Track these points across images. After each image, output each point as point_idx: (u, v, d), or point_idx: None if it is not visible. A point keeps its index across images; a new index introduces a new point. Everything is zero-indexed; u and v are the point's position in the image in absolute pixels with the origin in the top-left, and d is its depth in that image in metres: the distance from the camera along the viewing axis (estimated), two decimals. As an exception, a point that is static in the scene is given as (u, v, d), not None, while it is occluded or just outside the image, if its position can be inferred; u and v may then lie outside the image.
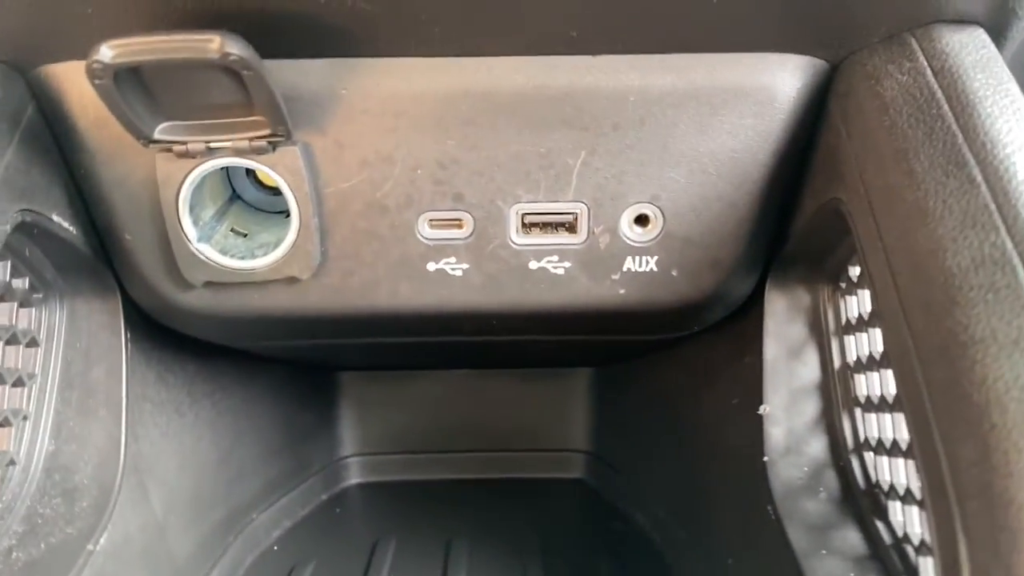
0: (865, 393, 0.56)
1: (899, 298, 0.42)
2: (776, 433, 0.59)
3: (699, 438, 0.72)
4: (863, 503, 0.55)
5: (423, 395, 0.95)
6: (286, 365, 0.87)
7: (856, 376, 0.57)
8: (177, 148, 0.51)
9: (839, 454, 0.58)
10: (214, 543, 0.72)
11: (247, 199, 0.61)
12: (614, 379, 0.93)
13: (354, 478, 0.92)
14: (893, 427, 0.53)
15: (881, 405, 0.54)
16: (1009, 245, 0.38)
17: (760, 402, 0.60)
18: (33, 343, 0.58)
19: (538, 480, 0.92)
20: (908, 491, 0.51)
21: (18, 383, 0.57)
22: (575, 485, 0.92)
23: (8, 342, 0.56)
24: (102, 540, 0.57)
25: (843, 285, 0.59)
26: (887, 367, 0.54)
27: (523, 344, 0.71)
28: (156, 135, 0.50)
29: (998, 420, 0.35)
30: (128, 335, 0.62)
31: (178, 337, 0.67)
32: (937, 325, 0.39)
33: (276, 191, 0.60)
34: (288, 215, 0.56)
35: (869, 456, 0.56)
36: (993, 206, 0.40)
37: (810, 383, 0.60)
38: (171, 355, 0.69)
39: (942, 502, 0.37)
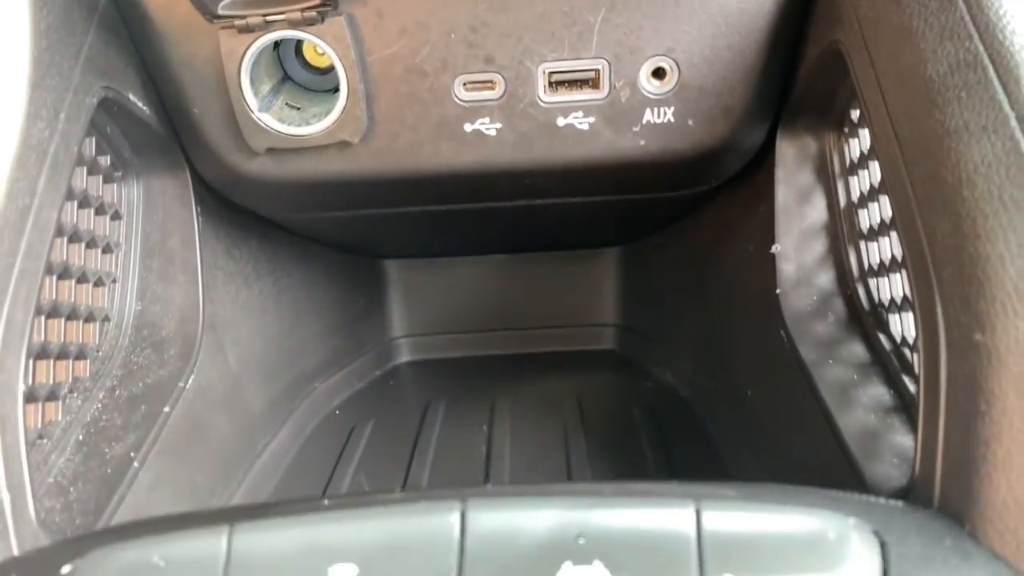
0: (868, 224, 0.62)
1: (887, 111, 0.48)
2: (787, 269, 0.65)
3: (719, 290, 0.78)
4: (867, 321, 0.61)
5: (463, 280, 1.02)
6: (339, 252, 0.94)
7: (859, 211, 0.63)
8: (238, 23, 0.57)
9: (846, 283, 0.64)
10: (283, 403, 0.80)
11: (297, 80, 0.67)
12: (640, 255, 0.99)
13: (404, 356, 1.00)
14: (891, 246, 0.59)
15: (882, 230, 0.60)
16: (981, 48, 0.43)
17: (773, 244, 0.66)
18: (116, 216, 0.66)
19: (573, 352, 0.99)
20: (905, 298, 0.57)
21: (107, 250, 0.64)
22: (607, 355, 0.99)
23: (97, 212, 0.63)
24: (190, 380, 0.65)
25: (846, 130, 0.64)
26: (886, 192, 0.59)
27: (554, 212, 0.77)
28: (220, 10, 0.56)
29: (968, 194, 0.41)
30: (198, 209, 0.69)
31: (242, 216, 0.74)
32: (919, 126, 0.45)
33: (323, 71, 0.66)
34: (336, 91, 0.62)
35: (873, 282, 0.62)
36: (968, 17, 0.45)
37: (818, 223, 0.65)
38: (237, 231, 0.76)
39: (922, 272, 0.43)
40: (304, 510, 0.42)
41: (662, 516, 0.40)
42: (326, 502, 0.43)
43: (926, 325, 0.43)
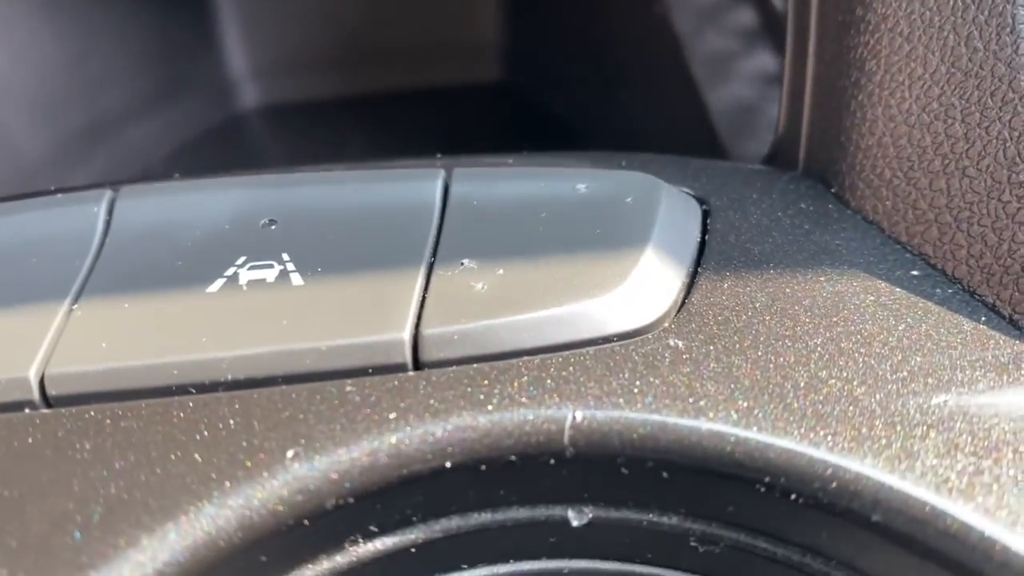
0: None
1: None
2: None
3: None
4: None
5: (316, 5, 0.85)
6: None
7: None
8: None
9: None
10: (75, 151, 0.67)
11: None
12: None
13: (244, 100, 0.85)
14: None
15: None
16: None
17: None
18: None
19: (450, 87, 0.84)
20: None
21: None
22: (489, 89, 0.84)
23: None
24: None
25: None
26: None
27: None
28: None
29: None
30: None
31: None
32: None
33: None
34: None
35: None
36: None
37: None
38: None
39: None
40: None
41: (394, 190, 0.28)
42: None
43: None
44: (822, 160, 0.30)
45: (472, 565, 0.23)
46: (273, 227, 0.27)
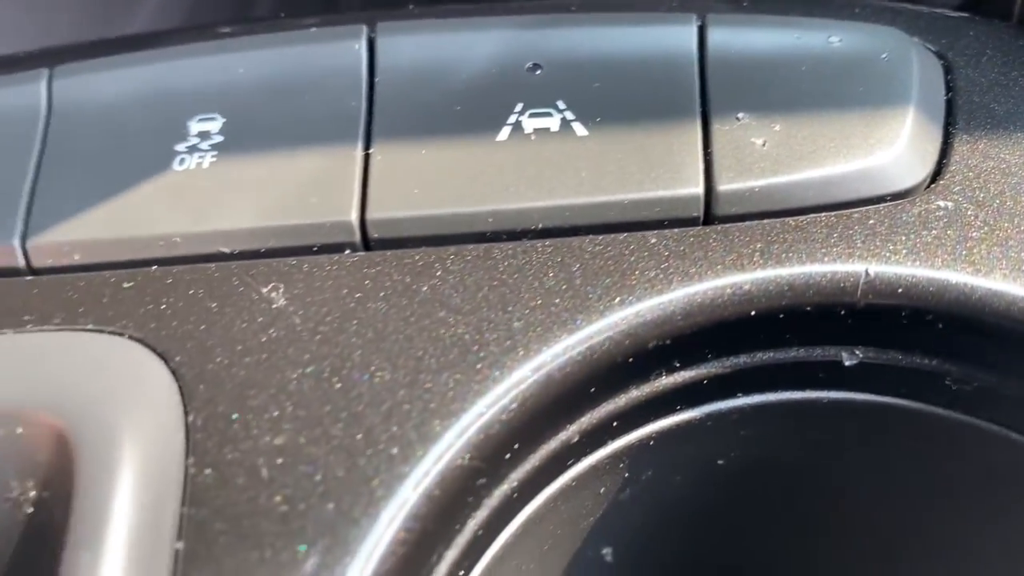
0: None
1: None
2: None
3: None
4: None
5: None
6: None
7: None
8: None
9: None
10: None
11: None
12: None
13: None
14: None
15: None
16: None
17: None
18: None
19: None
20: None
21: None
22: None
23: None
24: None
25: None
26: None
27: None
28: None
29: None
30: None
31: None
32: None
33: None
34: None
35: None
36: None
37: None
38: None
39: None
40: (147, 44, 0.30)
41: (650, 35, 0.29)
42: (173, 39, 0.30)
43: None
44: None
45: (747, 393, 0.26)
46: (538, 72, 0.28)
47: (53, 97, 0.28)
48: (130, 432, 0.21)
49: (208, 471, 0.21)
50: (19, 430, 0.22)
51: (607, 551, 0.31)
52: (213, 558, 0.20)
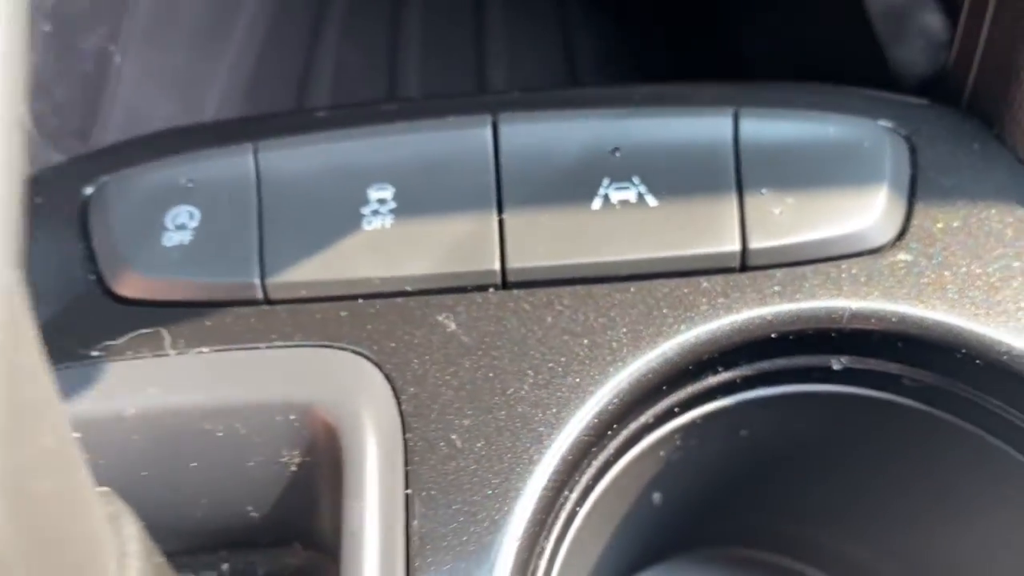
0: None
1: None
2: None
3: None
4: None
5: None
6: None
7: None
8: None
9: None
10: None
11: None
12: None
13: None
14: None
15: None
16: None
17: None
18: None
19: None
20: None
21: None
22: None
23: None
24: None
25: None
26: None
27: None
28: None
29: None
30: None
31: None
32: None
33: None
34: None
35: None
36: None
37: None
38: None
39: None
40: (329, 124, 0.41)
41: (698, 125, 0.40)
42: (344, 114, 0.41)
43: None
44: (986, 101, 0.41)
45: (765, 387, 0.38)
46: (617, 154, 0.39)
47: (260, 167, 0.39)
48: (369, 417, 0.33)
49: (420, 442, 0.33)
50: (292, 416, 0.33)
51: (657, 496, 0.42)
52: (431, 500, 0.32)
